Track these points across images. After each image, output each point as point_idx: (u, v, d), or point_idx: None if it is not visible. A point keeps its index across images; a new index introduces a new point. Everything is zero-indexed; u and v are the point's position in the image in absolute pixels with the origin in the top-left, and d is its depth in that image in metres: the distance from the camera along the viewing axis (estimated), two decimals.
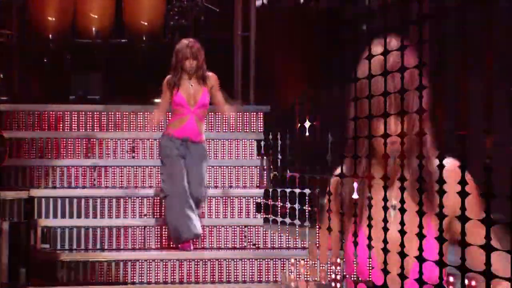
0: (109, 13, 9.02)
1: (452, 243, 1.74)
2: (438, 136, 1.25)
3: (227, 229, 5.94)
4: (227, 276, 5.57)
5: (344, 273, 1.78)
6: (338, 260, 1.71)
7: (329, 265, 1.74)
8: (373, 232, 1.44)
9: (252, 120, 6.41)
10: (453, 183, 1.15)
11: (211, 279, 5.55)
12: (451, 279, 1.39)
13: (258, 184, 6.27)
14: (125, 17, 9.06)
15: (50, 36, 8.84)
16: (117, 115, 6.41)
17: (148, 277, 5.52)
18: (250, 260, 5.59)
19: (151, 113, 5.85)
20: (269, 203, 5.98)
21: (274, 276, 5.57)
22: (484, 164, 1.03)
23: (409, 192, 1.45)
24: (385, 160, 1.38)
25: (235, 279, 5.57)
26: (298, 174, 5.82)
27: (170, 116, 5.76)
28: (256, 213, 6.05)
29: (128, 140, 6.33)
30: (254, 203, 6.06)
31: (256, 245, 5.93)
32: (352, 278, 1.76)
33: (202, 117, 5.61)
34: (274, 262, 5.59)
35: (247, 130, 6.41)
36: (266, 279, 5.58)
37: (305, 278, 1.84)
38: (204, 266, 5.56)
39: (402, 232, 1.28)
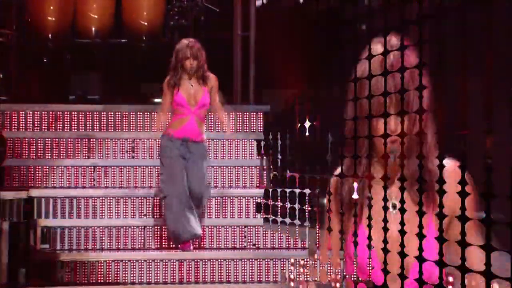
0: (109, 13, 9.02)
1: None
2: (438, 136, 1.25)
3: (227, 229, 5.94)
4: (227, 276, 5.57)
5: (344, 273, 1.78)
6: (338, 260, 1.71)
7: (329, 265, 1.74)
8: (373, 231, 1.44)
9: (252, 120, 6.40)
10: (453, 183, 1.15)
11: (211, 279, 5.55)
12: (450, 279, 1.39)
13: (258, 184, 6.27)
14: (124, 17, 9.05)
15: (50, 36, 8.83)
16: (117, 115, 6.40)
17: (148, 277, 5.52)
18: (250, 260, 5.59)
19: (153, 113, 5.83)
20: (269, 203, 5.98)
21: (274, 276, 5.57)
22: (484, 164, 1.03)
23: (408, 191, 1.45)
24: (385, 160, 1.38)
25: (235, 279, 5.57)
26: (298, 174, 5.82)
27: (170, 116, 5.75)
28: (256, 213, 6.05)
29: (128, 140, 6.33)
30: (254, 203, 6.05)
31: (256, 245, 5.93)
32: (352, 278, 1.76)
33: (203, 117, 5.60)
34: (274, 262, 5.58)
35: (247, 130, 6.40)
36: (266, 279, 5.57)
37: (305, 278, 1.84)
38: (204, 266, 5.56)
39: (402, 232, 1.28)
